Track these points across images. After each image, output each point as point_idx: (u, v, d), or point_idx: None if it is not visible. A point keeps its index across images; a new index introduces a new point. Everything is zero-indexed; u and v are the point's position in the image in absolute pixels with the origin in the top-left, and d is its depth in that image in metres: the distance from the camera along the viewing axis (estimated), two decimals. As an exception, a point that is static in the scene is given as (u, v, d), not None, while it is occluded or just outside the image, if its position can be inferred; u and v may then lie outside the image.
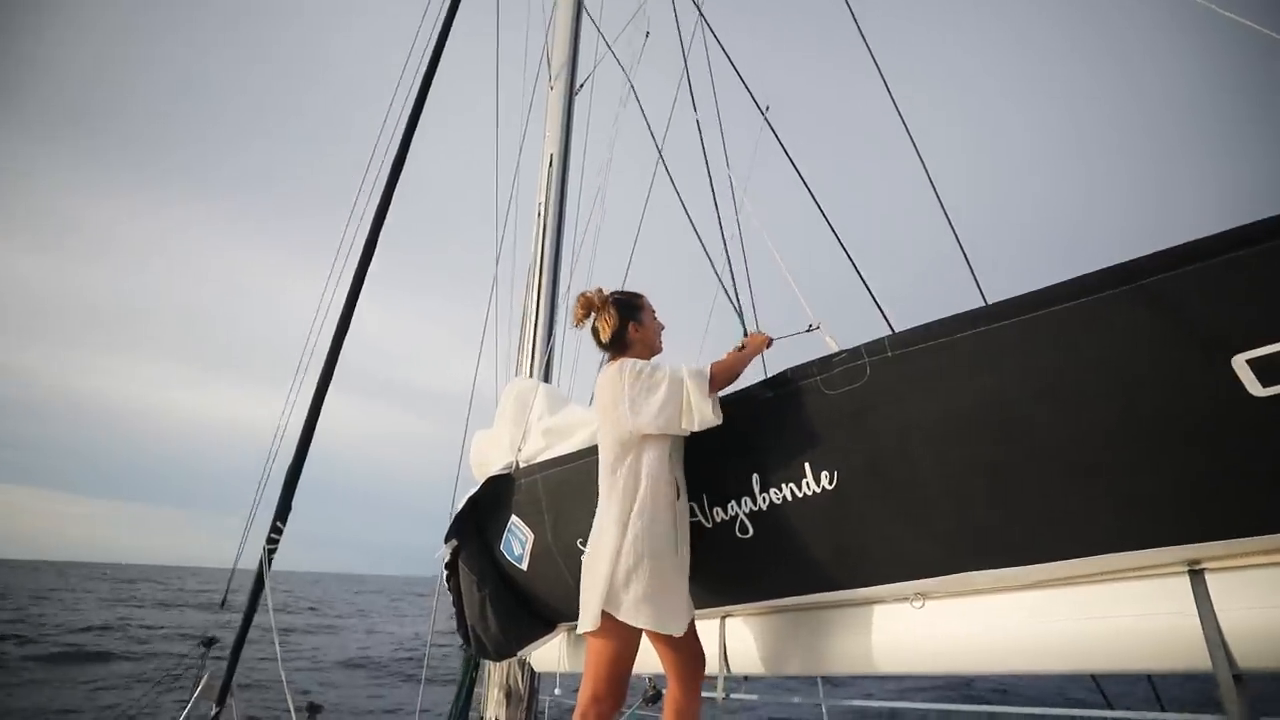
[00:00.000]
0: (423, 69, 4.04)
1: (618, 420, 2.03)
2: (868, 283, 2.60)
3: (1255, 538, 1.37)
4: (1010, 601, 1.73)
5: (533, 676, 3.45)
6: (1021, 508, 1.59)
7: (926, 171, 3.30)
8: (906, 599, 1.89)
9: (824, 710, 2.69)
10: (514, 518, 2.71)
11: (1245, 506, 1.36)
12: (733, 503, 2.05)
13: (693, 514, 2.15)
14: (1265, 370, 1.27)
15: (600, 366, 2.32)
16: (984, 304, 1.68)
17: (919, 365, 1.69)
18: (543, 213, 4.03)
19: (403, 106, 4.00)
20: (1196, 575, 1.47)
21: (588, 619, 1.95)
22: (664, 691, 2.20)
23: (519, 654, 2.84)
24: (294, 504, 3.52)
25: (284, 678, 3.29)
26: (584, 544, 2.12)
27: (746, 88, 3.41)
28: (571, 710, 2.02)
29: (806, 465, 1.88)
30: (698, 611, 2.09)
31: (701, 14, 3.75)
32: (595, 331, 2.25)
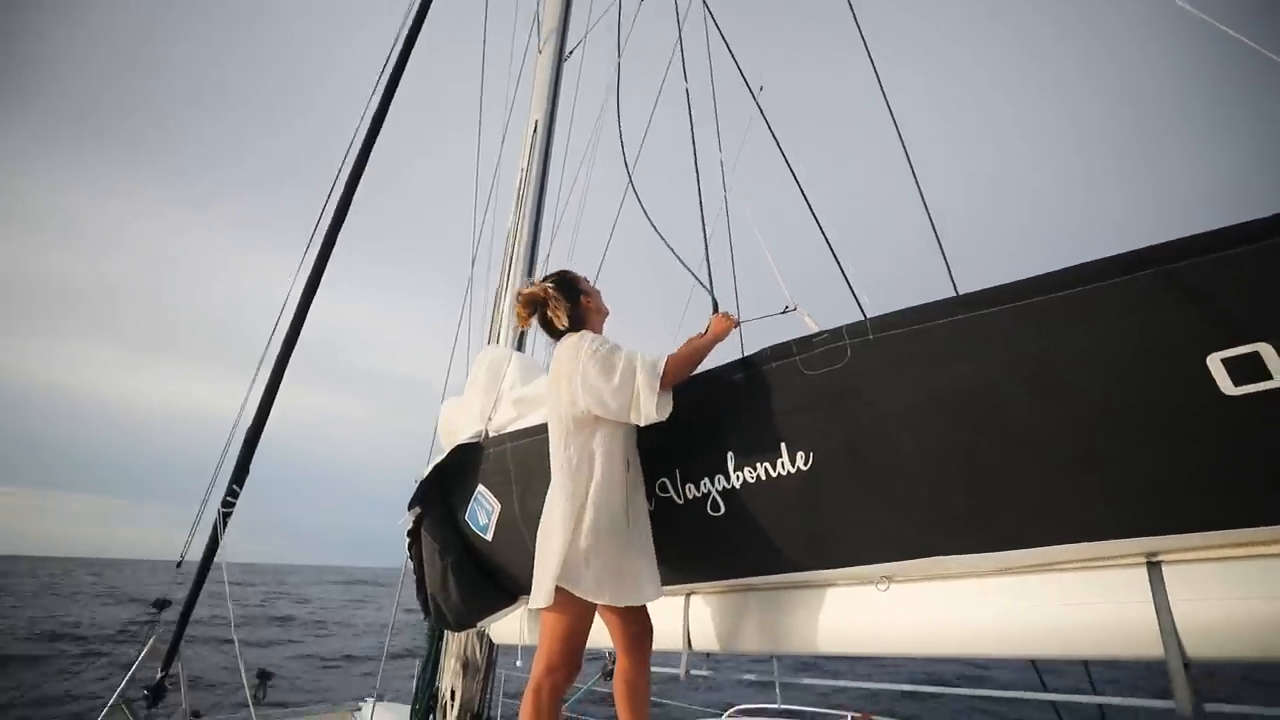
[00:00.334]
0: (404, 34, 3.92)
1: (571, 396, 2.02)
2: (843, 266, 2.58)
3: (1213, 532, 1.42)
4: (973, 587, 1.75)
5: (491, 648, 3.43)
6: (994, 494, 1.61)
7: (910, 162, 3.29)
8: (872, 582, 1.91)
9: (777, 687, 2.73)
10: (481, 487, 2.67)
11: (1206, 501, 1.40)
12: (705, 480, 2.04)
13: (664, 490, 2.14)
14: (1238, 370, 1.30)
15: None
16: (957, 294, 1.69)
17: (900, 349, 1.69)
18: (524, 179, 3.94)
19: (377, 79, 3.88)
20: (1154, 567, 1.51)
21: (540, 595, 1.94)
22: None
23: (479, 625, 2.81)
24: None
25: (235, 640, 3.21)
26: None
27: (740, 70, 3.35)
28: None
29: (782, 445, 1.88)
30: (663, 589, 2.09)
31: None
32: (549, 323, 2.23)
